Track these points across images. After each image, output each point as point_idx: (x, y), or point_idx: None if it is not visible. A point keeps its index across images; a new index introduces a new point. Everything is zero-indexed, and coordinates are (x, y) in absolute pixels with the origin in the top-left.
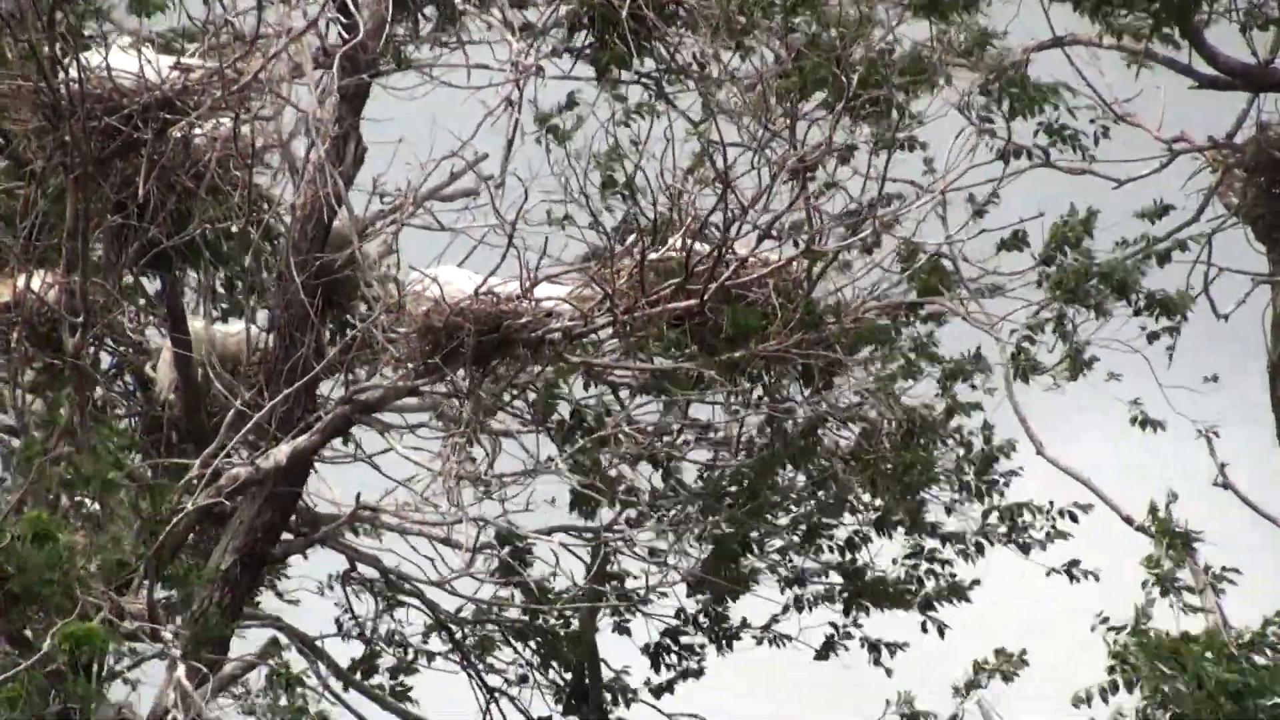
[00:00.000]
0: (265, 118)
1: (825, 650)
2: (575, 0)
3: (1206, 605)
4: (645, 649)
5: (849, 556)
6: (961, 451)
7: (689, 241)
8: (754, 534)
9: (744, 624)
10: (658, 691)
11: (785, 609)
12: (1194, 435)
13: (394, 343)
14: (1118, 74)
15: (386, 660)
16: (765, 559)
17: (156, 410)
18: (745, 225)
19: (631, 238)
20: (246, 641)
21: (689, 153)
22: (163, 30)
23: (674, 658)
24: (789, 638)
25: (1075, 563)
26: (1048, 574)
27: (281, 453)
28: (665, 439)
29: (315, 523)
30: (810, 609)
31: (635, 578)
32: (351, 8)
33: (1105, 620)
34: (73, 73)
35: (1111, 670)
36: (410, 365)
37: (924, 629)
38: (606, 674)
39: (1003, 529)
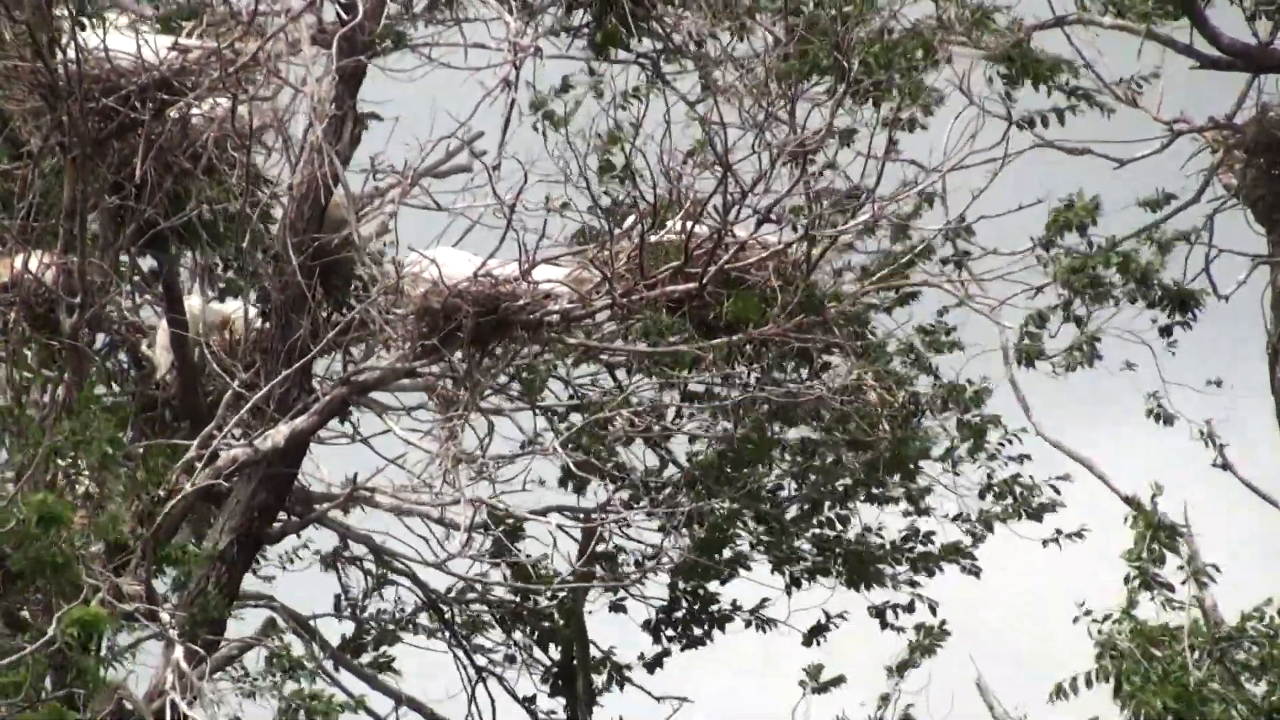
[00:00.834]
0: (263, 98)
1: (814, 635)
2: None
3: (1190, 598)
4: (645, 624)
5: (840, 530)
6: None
7: (688, 224)
8: (742, 514)
9: (735, 607)
10: (651, 666)
11: (787, 589)
12: (1192, 434)
13: (392, 324)
14: (1118, 55)
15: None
16: (754, 537)
17: (151, 389)
18: (744, 209)
19: (630, 220)
20: (239, 621)
21: (687, 136)
22: (161, 11)
23: (674, 630)
24: (778, 621)
25: (1060, 531)
26: (1044, 544)
27: (280, 434)
28: (660, 420)
29: (308, 502)
30: (808, 582)
31: (627, 554)
32: None
33: (1089, 613)
34: (70, 53)
35: (1099, 658)
36: (408, 346)
37: (912, 608)
38: (596, 655)
39: (998, 508)
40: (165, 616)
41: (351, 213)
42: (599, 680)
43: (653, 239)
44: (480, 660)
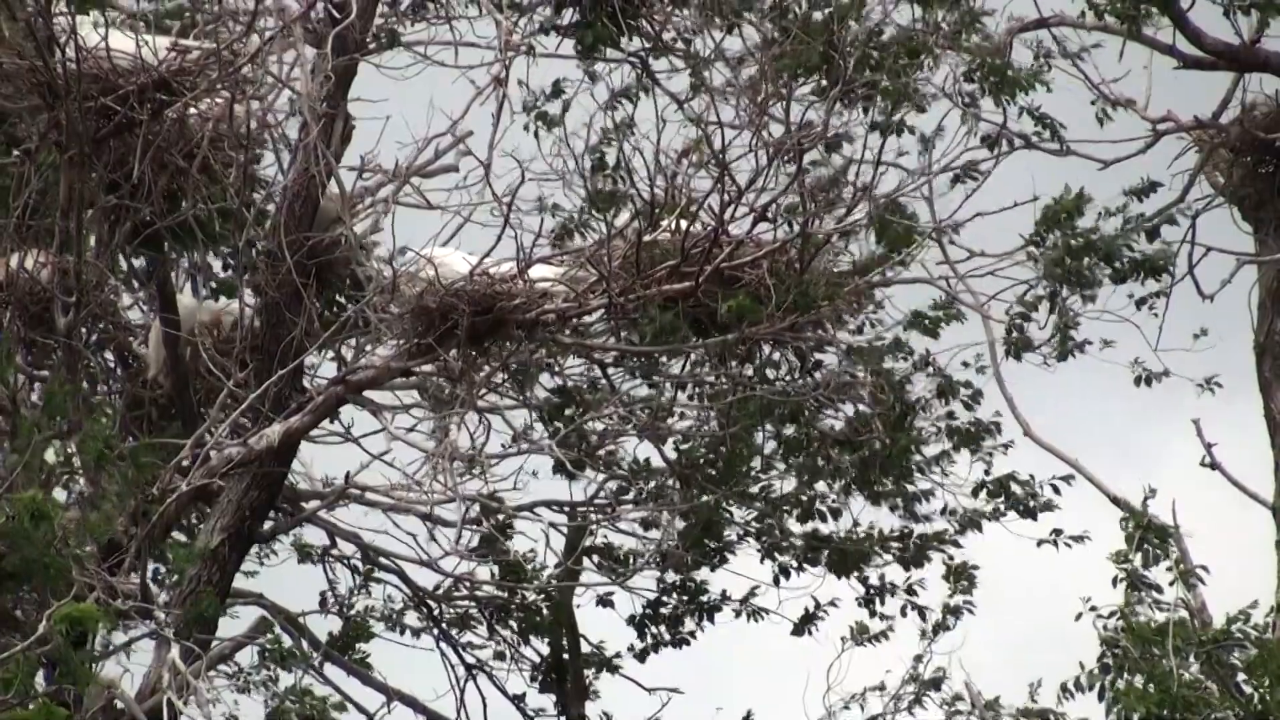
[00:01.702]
0: (260, 98)
1: (803, 625)
2: None
3: (1176, 600)
4: (630, 619)
5: (825, 522)
6: (946, 425)
7: (684, 224)
8: (731, 504)
9: (724, 597)
10: (642, 655)
11: (776, 579)
12: (1184, 419)
13: (387, 323)
14: (1102, 56)
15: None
16: (743, 527)
17: (140, 387)
18: (740, 207)
19: (624, 218)
20: (232, 620)
21: (680, 135)
22: (157, 9)
23: (660, 627)
24: (768, 611)
25: (1059, 531)
26: (1039, 545)
27: (274, 433)
28: (648, 411)
29: (297, 500)
30: (796, 572)
31: (618, 548)
32: None
33: (1094, 609)
34: (69, 52)
35: (1102, 655)
36: (403, 345)
37: (904, 612)
38: (586, 649)
39: (989, 508)
40: (160, 615)
41: (345, 211)
42: (589, 675)
43: (648, 238)
44: (469, 658)
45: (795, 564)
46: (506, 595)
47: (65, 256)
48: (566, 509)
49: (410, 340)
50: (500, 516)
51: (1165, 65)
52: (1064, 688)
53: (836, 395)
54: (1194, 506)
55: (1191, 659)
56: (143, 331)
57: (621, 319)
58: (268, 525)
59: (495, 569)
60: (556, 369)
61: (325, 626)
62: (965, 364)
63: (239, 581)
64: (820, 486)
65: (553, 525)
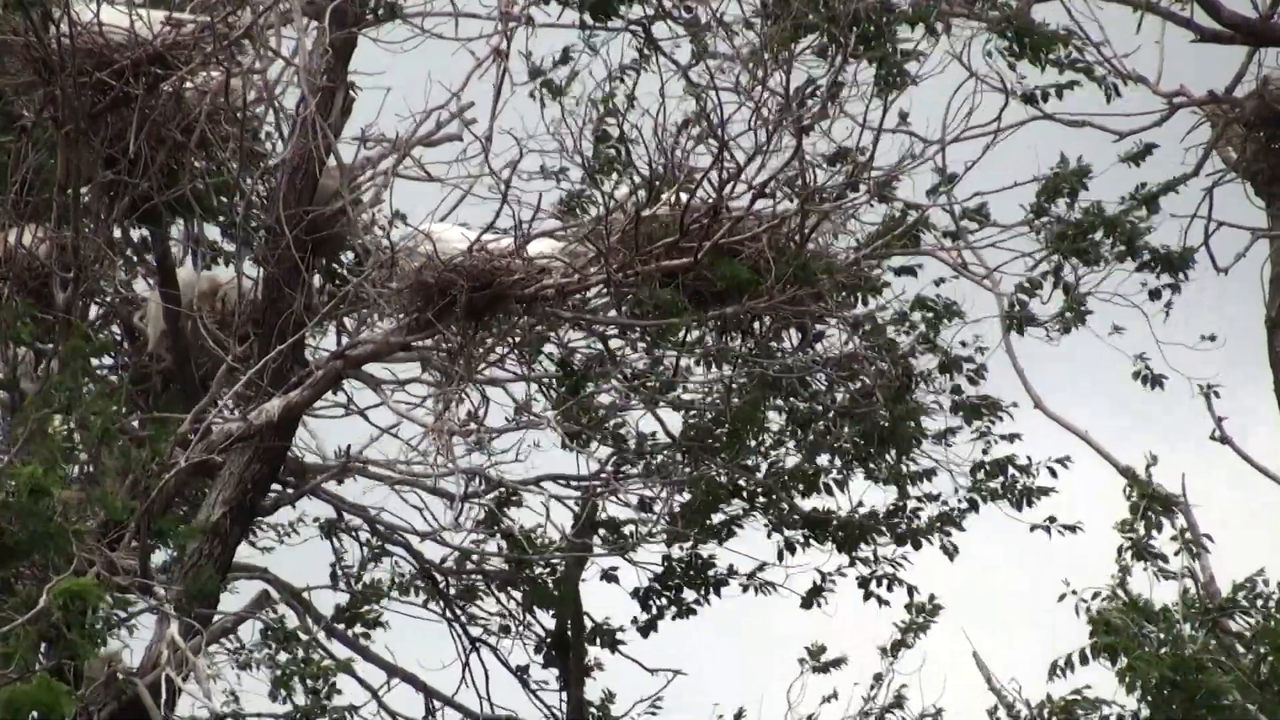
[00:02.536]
0: (256, 71)
1: (810, 598)
2: None
3: (1182, 569)
4: (635, 593)
5: (831, 495)
6: (950, 400)
7: (683, 198)
8: (737, 477)
9: (731, 571)
10: (645, 629)
11: (780, 555)
12: (1192, 393)
13: (386, 298)
14: (1118, 28)
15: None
16: (748, 502)
17: (144, 362)
18: (740, 182)
19: (623, 191)
20: (233, 594)
21: (682, 109)
22: None
23: (664, 600)
24: (775, 585)
25: (1053, 518)
26: (1031, 530)
27: (274, 407)
28: (651, 384)
29: (302, 473)
30: (801, 549)
31: (623, 523)
32: None
33: (1074, 592)
34: (64, 28)
35: (1092, 634)
36: (403, 320)
37: (900, 582)
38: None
39: (986, 490)
40: (160, 590)
41: (344, 185)
42: (593, 652)
43: (646, 213)
44: (474, 630)
45: (801, 539)
46: (513, 568)
47: (63, 232)
48: (573, 483)
49: (409, 315)
50: (503, 490)
51: (1181, 38)
52: (1054, 667)
53: (838, 369)
54: (1204, 482)
55: (1198, 627)
56: (143, 305)
57: (621, 295)
58: (270, 498)
59: (503, 542)
60: (558, 342)
61: (332, 601)
62: (963, 344)
63: (244, 556)
64: (822, 461)
65: (555, 498)
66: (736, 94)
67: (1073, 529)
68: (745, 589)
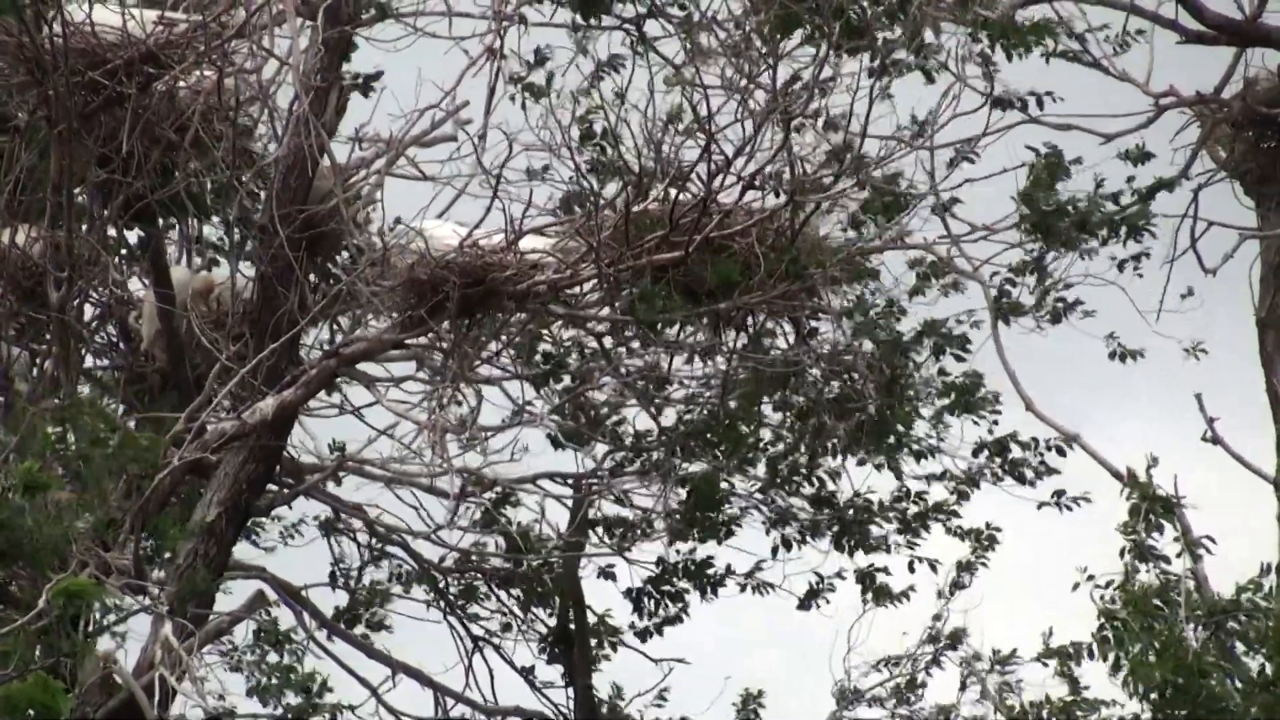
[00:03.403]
0: (249, 70)
1: (809, 599)
2: None
3: (1185, 570)
4: (628, 593)
5: (829, 490)
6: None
7: (673, 193)
8: (734, 476)
9: (729, 570)
10: (644, 635)
11: (774, 551)
12: (1185, 393)
13: (379, 295)
14: (1104, 31)
15: (370, 609)
16: (747, 499)
17: (139, 362)
18: (728, 176)
19: (612, 187)
20: (229, 594)
21: (671, 103)
22: None
23: (654, 604)
24: (773, 585)
25: (1061, 492)
26: (1039, 507)
27: (268, 406)
28: (645, 381)
29: (298, 473)
30: (798, 546)
31: (619, 522)
32: None
33: (1091, 578)
34: (56, 27)
35: (1101, 628)
36: (396, 317)
37: (911, 569)
38: (591, 619)
39: (988, 471)
40: (155, 591)
41: (338, 184)
42: (595, 647)
43: (637, 208)
44: (477, 630)
45: (799, 537)
46: (512, 567)
47: (57, 232)
48: (569, 481)
49: (402, 313)
50: (499, 489)
51: (1167, 40)
52: (1062, 660)
53: (831, 363)
54: (1195, 482)
55: (1198, 629)
56: (138, 304)
57: (613, 290)
58: (266, 498)
59: (501, 540)
60: (550, 340)
61: (332, 601)
62: (959, 320)
63: (250, 554)
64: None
65: (551, 496)
66: (724, 88)
67: (1078, 501)
68: (743, 588)
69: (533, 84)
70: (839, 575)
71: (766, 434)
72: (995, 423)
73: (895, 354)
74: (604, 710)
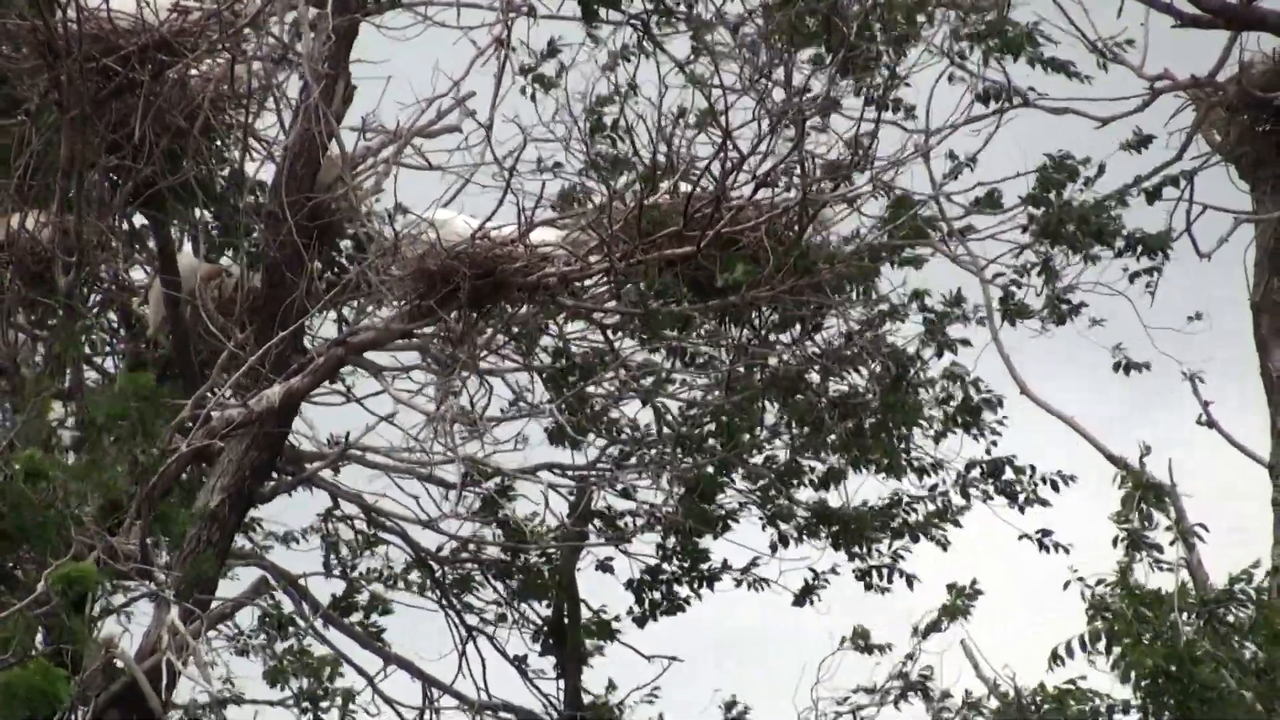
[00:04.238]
0: (261, 58)
1: (803, 596)
2: None
3: (1178, 560)
4: (629, 584)
5: (827, 491)
6: (944, 396)
7: (687, 188)
8: (733, 473)
9: (725, 566)
10: (640, 621)
11: (773, 546)
12: (1180, 378)
13: (388, 285)
14: (1100, 13)
15: (365, 598)
16: (745, 496)
17: (142, 348)
18: (742, 173)
19: (624, 180)
20: (231, 581)
21: (681, 98)
22: None
23: (657, 594)
24: (769, 581)
25: (1048, 532)
26: (1020, 538)
27: (274, 394)
28: (651, 376)
29: (299, 461)
30: (795, 542)
31: (619, 515)
32: None
33: (1081, 579)
34: (70, 12)
35: (1091, 619)
36: (404, 307)
37: (901, 573)
38: (586, 614)
39: (982, 485)
40: (161, 576)
41: (347, 172)
42: (589, 642)
43: (648, 202)
44: (471, 620)
45: (795, 534)
46: (509, 558)
47: (66, 217)
48: (569, 473)
49: (411, 302)
50: (501, 480)
51: (1163, 24)
52: (1054, 655)
53: (838, 365)
54: (1190, 466)
55: (1191, 618)
56: (144, 291)
57: (622, 283)
58: (269, 486)
59: (499, 531)
60: (557, 333)
61: (327, 589)
62: (960, 306)
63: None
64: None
65: (553, 487)
66: (737, 88)
67: (1065, 549)
68: (739, 584)
69: (543, 75)
70: (834, 571)
71: (765, 432)
72: (994, 443)
73: (898, 358)
74: (592, 707)
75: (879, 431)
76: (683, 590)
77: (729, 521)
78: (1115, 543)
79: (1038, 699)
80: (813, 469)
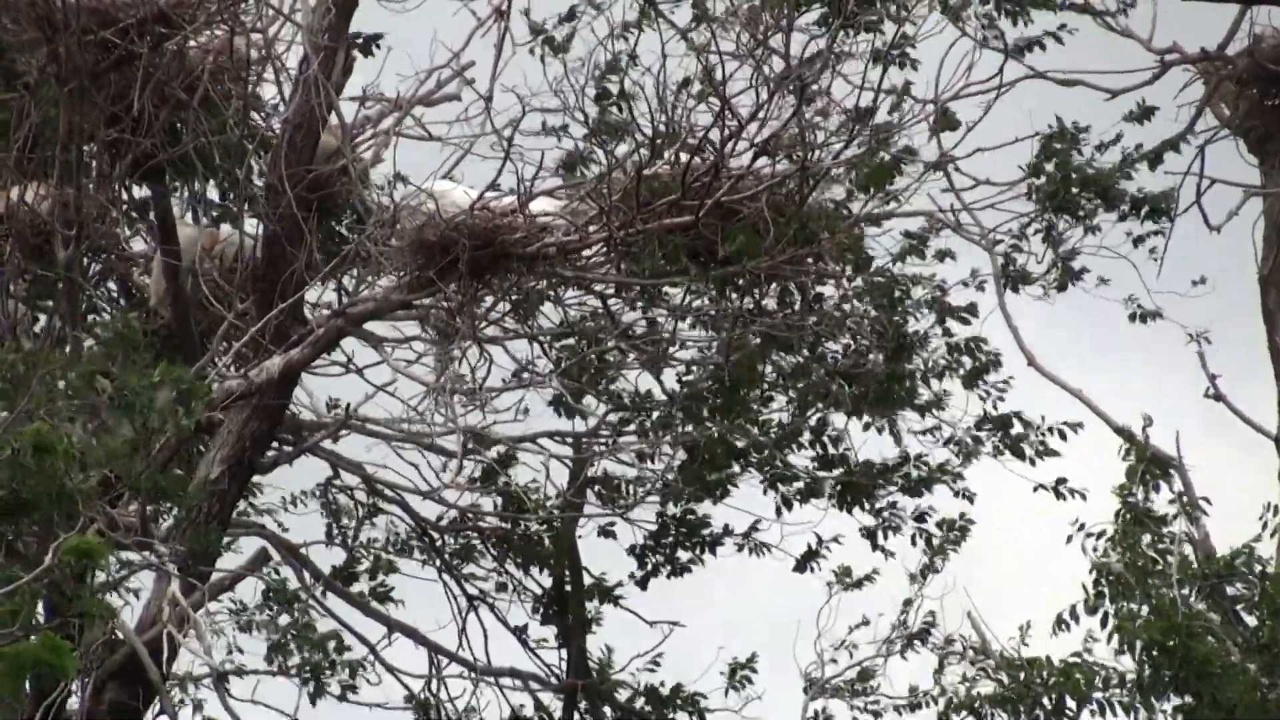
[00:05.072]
0: (260, 30)
1: (805, 561)
2: None
3: (1180, 533)
4: (631, 550)
5: (830, 451)
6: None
7: (685, 157)
8: (734, 437)
9: (726, 531)
10: (643, 582)
11: (778, 510)
12: (1185, 344)
13: (388, 256)
14: None
15: (367, 566)
16: (747, 457)
17: (142, 319)
18: (741, 141)
19: (624, 149)
20: (238, 552)
21: (683, 68)
22: None
23: (659, 558)
24: (770, 546)
25: (1063, 480)
26: (1035, 489)
27: (274, 365)
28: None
29: (299, 431)
30: (800, 503)
31: (618, 481)
32: None
33: (1083, 528)
34: None
35: (1097, 582)
36: (404, 278)
37: (913, 542)
38: (588, 580)
39: (989, 445)
40: (162, 549)
41: (346, 143)
42: (591, 607)
43: (648, 171)
44: (471, 589)
45: (798, 497)
46: (509, 527)
47: (66, 189)
48: (569, 440)
49: (410, 273)
50: (502, 448)
51: None
52: (1059, 620)
53: (836, 330)
54: (1197, 438)
55: (1193, 591)
56: (144, 262)
57: (622, 253)
58: (269, 456)
59: (498, 500)
60: (556, 301)
61: (328, 558)
62: (965, 284)
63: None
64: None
65: (554, 457)
66: (736, 56)
67: (1079, 494)
68: (740, 549)
69: (553, 38)
70: (836, 540)
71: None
72: (1001, 398)
73: (897, 313)
74: (596, 673)
75: (882, 398)
76: (684, 555)
77: (729, 486)
78: (1117, 515)
79: (1042, 671)
80: (818, 429)
